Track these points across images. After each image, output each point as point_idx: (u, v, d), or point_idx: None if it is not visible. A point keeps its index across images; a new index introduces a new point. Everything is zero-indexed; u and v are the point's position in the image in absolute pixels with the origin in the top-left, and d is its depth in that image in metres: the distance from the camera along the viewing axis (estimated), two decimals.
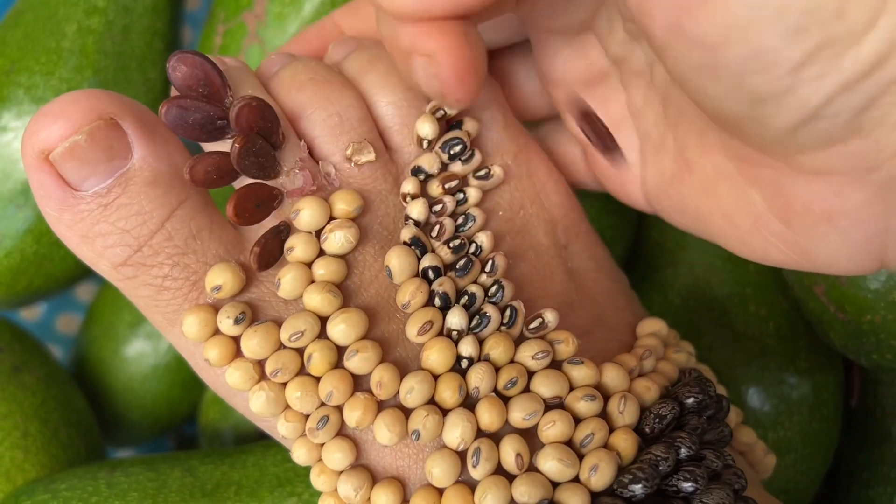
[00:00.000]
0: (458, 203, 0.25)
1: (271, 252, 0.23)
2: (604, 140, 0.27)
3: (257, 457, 0.33)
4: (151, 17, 0.39)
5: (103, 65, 0.37)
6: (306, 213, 0.23)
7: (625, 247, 0.41)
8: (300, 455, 0.23)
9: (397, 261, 0.23)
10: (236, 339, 0.22)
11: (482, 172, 0.26)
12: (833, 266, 0.22)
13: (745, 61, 0.17)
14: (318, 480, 0.23)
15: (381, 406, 0.22)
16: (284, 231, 0.23)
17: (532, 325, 0.24)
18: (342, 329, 0.22)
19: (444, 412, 0.22)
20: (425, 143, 0.25)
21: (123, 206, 0.22)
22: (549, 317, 0.24)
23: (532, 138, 0.29)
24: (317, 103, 0.25)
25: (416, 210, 0.24)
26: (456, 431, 0.22)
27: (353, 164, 0.25)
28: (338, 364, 0.22)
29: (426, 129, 0.25)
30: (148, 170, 0.22)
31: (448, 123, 0.26)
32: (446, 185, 0.25)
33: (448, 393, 0.22)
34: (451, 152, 0.25)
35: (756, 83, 0.18)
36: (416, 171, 0.25)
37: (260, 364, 0.22)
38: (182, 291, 0.23)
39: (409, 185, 0.25)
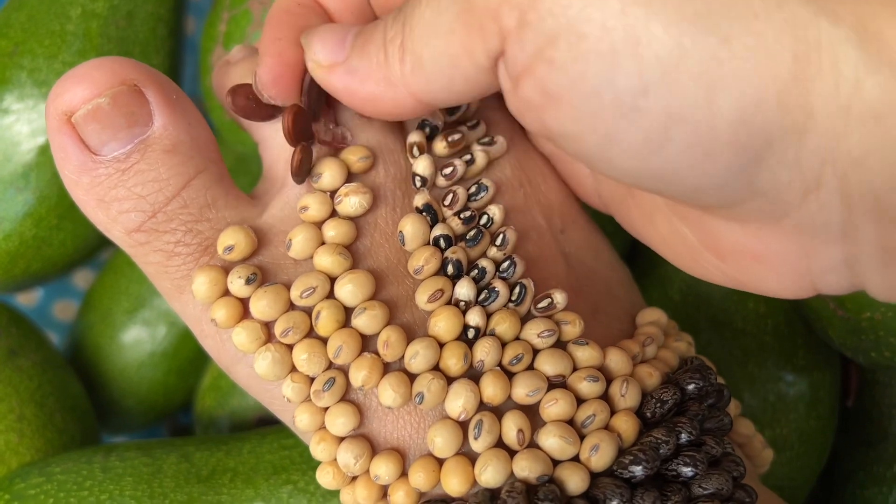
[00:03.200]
0: (468, 164, 0.26)
1: (307, 163, 0.24)
2: None
3: (253, 444, 0.33)
4: (155, 3, 0.39)
5: (107, 49, 0.37)
6: (327, 175, 0.24)
7: (625, 241, 0.41)
8: (303, 420, 0.23)
9: (411, 227, 0.23)
10: (244, 302, 0.23)
11: (486, 139, 0.26)
12: (772, 293, 0.23)
13: (603, 147, 0.19)
14: (317, 449, 0.23)
15: (386, 369, 0.22)
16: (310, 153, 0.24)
17: (540, 305, 0.24)
18: (350, 289, 0.22)
19: (449, 381, 0.22)
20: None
21: (141, 172, 0.22)
22: (559, 297, 0.24)
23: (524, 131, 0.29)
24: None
25: (422, 165, 0.25)
26: (459, 401, 0.22)
27: (363, 117, 0.25)
28: (345, 324, 0.23)
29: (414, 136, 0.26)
30: (167, 138, 0.23)
31: None
32: (450, 139, 0.25)
33: (453, 360, 0.22)
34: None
35: (626, 165, 0.19)
36: (422, 125, 0.26)
37: (267, 326, 0.23)
38: (193, 257, 0.23)
39: (414, 136, 0.25)
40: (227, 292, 0.23)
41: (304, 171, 0.24)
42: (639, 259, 0.42)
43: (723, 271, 0.23)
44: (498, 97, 0.28)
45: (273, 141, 0.26)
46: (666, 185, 0.19)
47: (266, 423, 0.39)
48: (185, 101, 0.23)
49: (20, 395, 0.36)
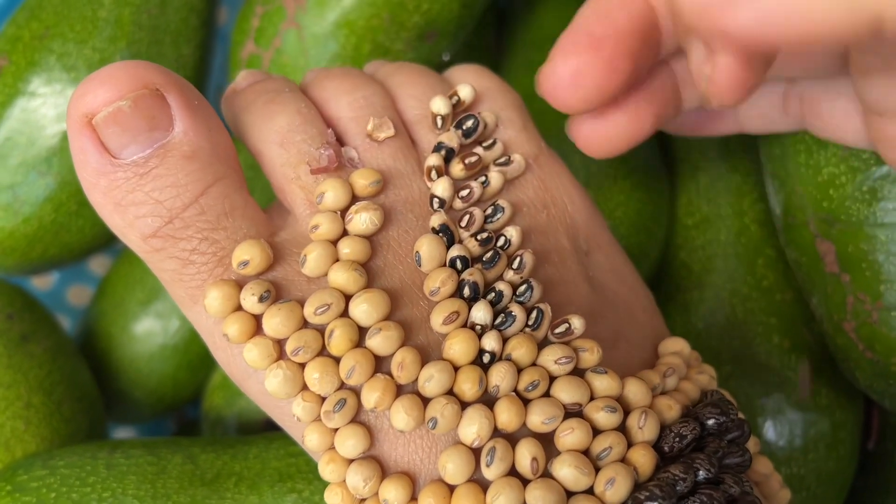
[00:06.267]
0: (483, 186, 0.25)
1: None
2: None
3: (260, 449, 0.33)
4: None
5: (137, 37, 0.37)
6: (329, 195, 0.23)
7: (651, 266, 0.40)
8: (312, 440, 0.22)
9: (427, 248, 0.23)
10: (257, 318, 0.22)
11: (503, 159, 0.26)
12: None
13: None
14: (326, 469, 0.22)
15: (399, 391, 0.22)
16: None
17: (557, 330, 0.23)
18: (364, 309, 0.22)
19: (463, 406, 0.22)
20: (440, 121, 0.26)
21: (159, 177, 0.22)
22: (576, 323, 0.23)
23: (552, 150, 0.28)
24: (344, 88, 0.26)
25: (441, 187, 0.24)
26: (473, 427, 0.21)
27: (373, 140, 0.25)
28: (359, 344, 0.22)
29: (438, 103, 0.26)
30: (187, 144, 0.22)
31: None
32: (467, 161, 0.25)
33: (468, 385, 0.21)
34: (465, 127, 0.25)
35: None
36: (438, 147, 0.25)
37: (278, 343, 0.22)
38: (208, 266, 0.23)
39: (432, 160, 0.25)
40: (240, 307, 0.22)
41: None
42: (663, 284, 0.41)
43: None
44: (520, 114, 0.27)
45: None
46: None
47: (274, 427, 0.38)
48: (207, 108, 0.23)
49: (29, 383, 0.36)
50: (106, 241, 0.41)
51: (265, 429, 0.39)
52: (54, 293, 0.48)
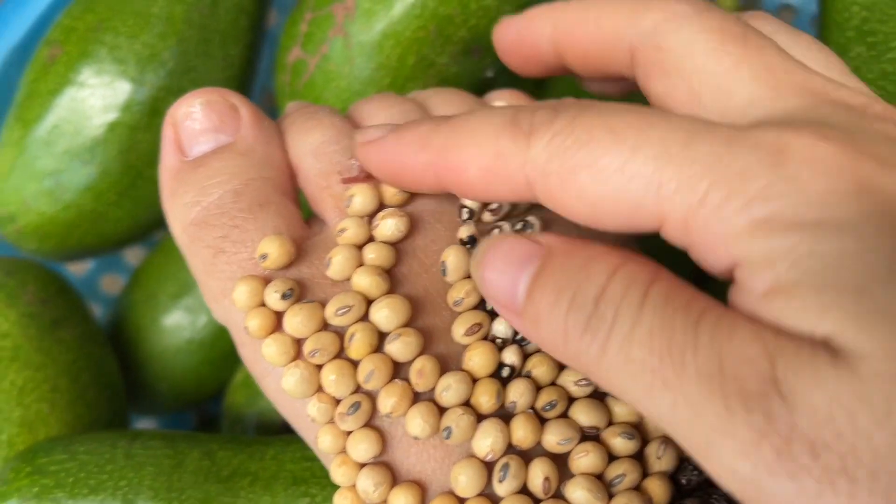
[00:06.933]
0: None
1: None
2: None
3: (277, 450, 0.33)
4: None
5: (187, 35, 0.38)
6: (357, 200, 0.24)
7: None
8: (325, 441, 0.22)
9: (454, 258, 0.23)
10: (279, 316, 0.23)
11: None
12: None
13: None
14: (337, 472, 0.22)
15: (416, 399, 0.22)
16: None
17: None
18: (385, 314, 0.22)
19: (479, 419, 0.21)
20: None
21: (210, 166, 0.25)
22: None
23: None
24: (381, 106, 0.27)
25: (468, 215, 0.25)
26: (487, 440, 0.21)
27: None
28: (378, 349, 0.22)
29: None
30: (244, 145, 0.25)
31: None
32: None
33: (485, 398, 0.21)
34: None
35: None
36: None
37: (298, 343, 0.22)
38: (238, 258, 0.24)
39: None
40: (264, 303, 0.23)
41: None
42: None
43: None
44: None
45: None
46: None
47: (291, 430, 0.38)
48: (274, 128, 0.26)
49: (57, 367, 0.36)
50: (142, 233, 0.42)
51: (284, 430, 0.39)
52: (88, 280, 0.48)
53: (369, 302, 0.23)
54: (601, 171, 0.18)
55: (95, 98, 0.37)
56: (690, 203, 0.17)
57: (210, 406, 0.51)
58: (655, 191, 0.17)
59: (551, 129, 0.19)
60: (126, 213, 0.39)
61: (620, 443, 0.22)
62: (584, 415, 0.22)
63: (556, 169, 0.19)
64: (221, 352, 0.43)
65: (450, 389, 0.21)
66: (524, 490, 0.21)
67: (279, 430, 0.40)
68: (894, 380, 0.15)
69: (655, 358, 0.16)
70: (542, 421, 0.22)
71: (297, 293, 0.23)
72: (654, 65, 0.22)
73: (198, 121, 0.25)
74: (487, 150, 0.20)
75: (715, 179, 0.17)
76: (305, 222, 0.26)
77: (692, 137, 0.17)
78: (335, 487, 0.23)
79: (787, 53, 0.20)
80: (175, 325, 0.43)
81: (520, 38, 0.26)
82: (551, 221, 0.26)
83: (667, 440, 0.22)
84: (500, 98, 0.29)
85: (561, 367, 0.23)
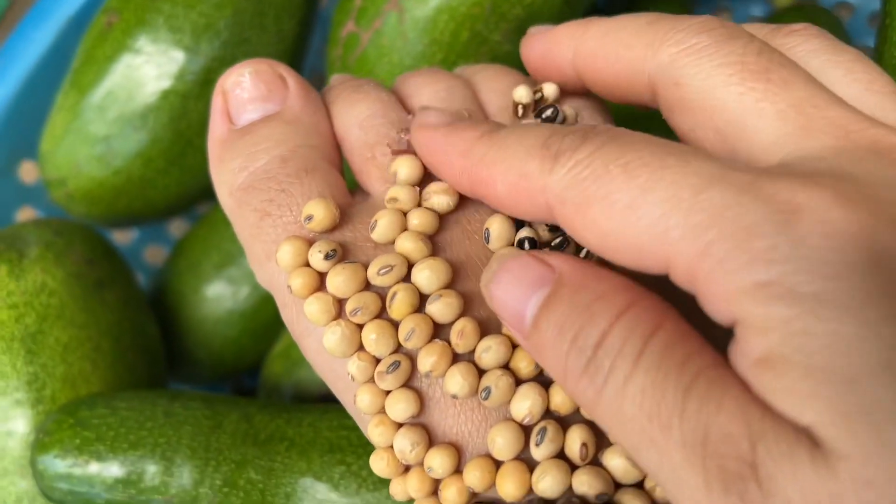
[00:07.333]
0: None
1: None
2: None
3: (314, 417, 0.33)
4: None
5: (243, 6, 0.38)
6: (404, 170, 0.24)
7: None
8: (364, 400, 0.22)
9: (498, 226, 0.23)
10: (322, 276, 0.23)
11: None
12: None
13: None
14: (375, 432, 0.22)
15: (455, 360, 0.22)
16: None
17: None
18: (427, 275, 0.22)
19: (518, 384, 0.21)
20: (520, 110, 0.26)
21: (258, 133, 0.25)
22: None
23: None
24: (426, 81, 0.27)
25: (520, 93, 0.26)
26: (526, 403, 0.21)
27: None
28: (419, 310, 0.22)
29: (521, 92, 0.26)
30: (291, 113, 0.25)
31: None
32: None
33: (524, 363, 0.21)
34: (544, 116, 0.25)
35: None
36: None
37: (340, 303, 0.22)
38: (283, 220, 0.24)
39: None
40: (307, 264, 0.23)
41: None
42: None
43: None
44: (603, 115, 0.27)
45: None
46: None
47: (328, 400, 0.38)
48: (320, 100, 0.26)
49: (100, 327, 0.37)
50: (188, 202, 0.42)
51: (320, 401, 0.40)
52: (132, 250, 0.49)
53: (411, 266, 0.23)
54: (611, 206, 0.18)
55: (150, 66, 0.38)
56: (694, 252, 0.17)
57: (246, 380, 0.52)
58: (662, 234, 0.17)
59: (574, 156, 0.19)
60: (174, 180, 0.40)
61: None
62: None
63: (571, 197, 0.19)
64: (262, 324, 0.44)
65: (490, 351, 0.21)
66: (561, 455, 0.21)
67: (315, 401, 0.40)
68: (870, 486, 0.14)
69: (645, 417, 0.16)
70: None
71: (340, 254, 0.23)
72: (675, 101, 0.21)
73: (246, 90, 0.25)
74: (515, 170, 0.20)
75: (721, 231, 0.16)
76: (349, 192, 0.26)
77: (705, 184, 0.17)
78: (371, 456, 0.23)
79: (816, 84, 0.20)
80: (217, 294, 0.43)
81: (544, 58, 0.26)
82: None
83: None
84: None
85: None
